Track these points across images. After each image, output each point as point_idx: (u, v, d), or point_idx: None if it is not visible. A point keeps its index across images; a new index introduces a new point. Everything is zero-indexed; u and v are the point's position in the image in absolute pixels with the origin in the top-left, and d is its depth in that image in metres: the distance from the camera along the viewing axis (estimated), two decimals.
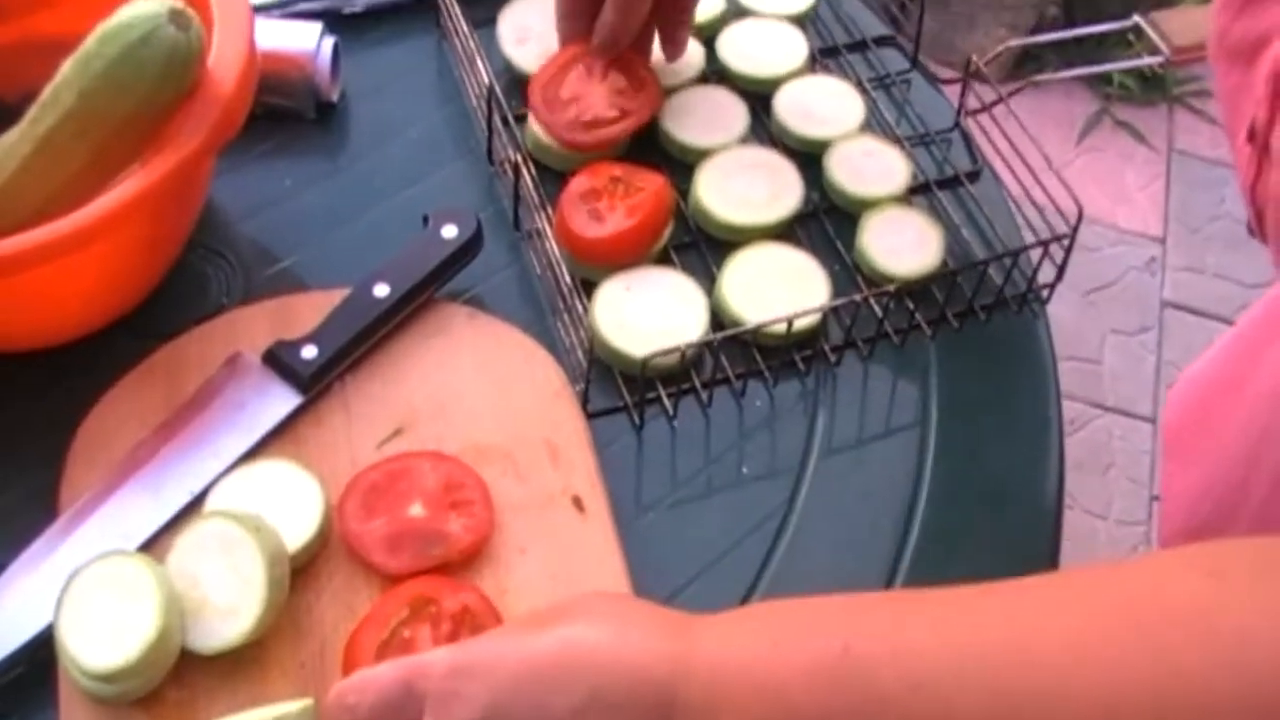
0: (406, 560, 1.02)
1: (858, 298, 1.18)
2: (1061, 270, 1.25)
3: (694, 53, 1.39)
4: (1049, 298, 1.27)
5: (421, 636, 0.98)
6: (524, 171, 1.22)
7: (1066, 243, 1.22)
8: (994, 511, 1.14)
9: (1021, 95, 1.33)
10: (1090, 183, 3.06)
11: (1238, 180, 0.94)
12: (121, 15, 1.08)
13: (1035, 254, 1.24)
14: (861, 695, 0.73)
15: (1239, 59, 0.92)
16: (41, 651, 1.00)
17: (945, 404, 1.20)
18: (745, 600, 1.07)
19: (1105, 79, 3.27)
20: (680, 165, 1.31)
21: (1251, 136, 0.90)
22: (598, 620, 0.82)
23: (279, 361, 1.13)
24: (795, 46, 1.41)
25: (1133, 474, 2.69)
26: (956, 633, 0.75)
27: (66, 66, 1.10)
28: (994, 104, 1.33)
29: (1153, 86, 3.25)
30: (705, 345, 1.18)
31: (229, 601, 0.98)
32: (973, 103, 1.37)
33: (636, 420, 1.16)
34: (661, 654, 0.79)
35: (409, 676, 0.82)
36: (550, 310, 1.23)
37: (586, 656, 0.79)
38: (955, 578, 1.05)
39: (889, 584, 1.08)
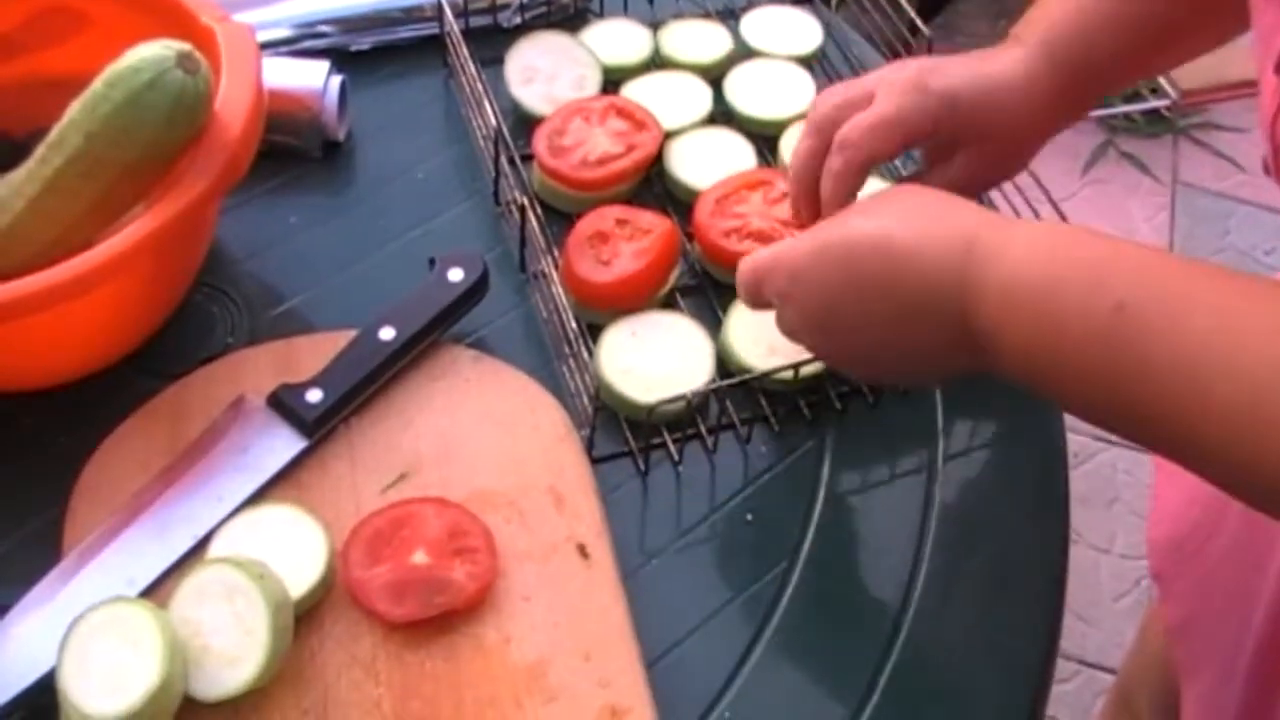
0: (410, 609, 1.02)
1: None
2: None
3: (701, 94, 1.39)
4: None
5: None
6: (530, 214, 1.22)
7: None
8: (1001, 554, 1.14)
9: None
10: (1095, 215, 3.05)
11: (1259, 116, 0.96)
12: (130, 58, 1.08)
13: None
14: (1127, 358, 0.82)
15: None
16: (44, 696, 1.00)
17: (951, 449, 1.20)
18: (750, 650, 1.06)
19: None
20: (686, 208, 1.30)
21: (1277, 69, 0.91)
22: (904, 220, 0.97)
23: (284, 405, 1.13)
24: (802, 88, 1.41)
25: (1137, 508, 2.68)
26: (1233, 320, 0.79)
27: (74, 108, 1.10)
28: None
29: (1158, 119, 3.25)
30: (711, 392, 1.17)
31: (232, 649, 0.98)
32: None
33: (641, 466, 1.16)
34: (960, 275, 0.92)
35: (759, 272, 1.06)
36: (556, 354, 1.22)
37: (895, 270, 0.95)
38: (961, 620, 1.06)
39: (895, 629, 1.08)
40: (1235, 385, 0.76)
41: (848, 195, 1.10)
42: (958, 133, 1.11)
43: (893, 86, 1.09)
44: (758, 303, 1.07)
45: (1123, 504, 2.70)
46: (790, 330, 1.05)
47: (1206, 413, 0.78)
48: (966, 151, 1.13)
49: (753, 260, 1.06)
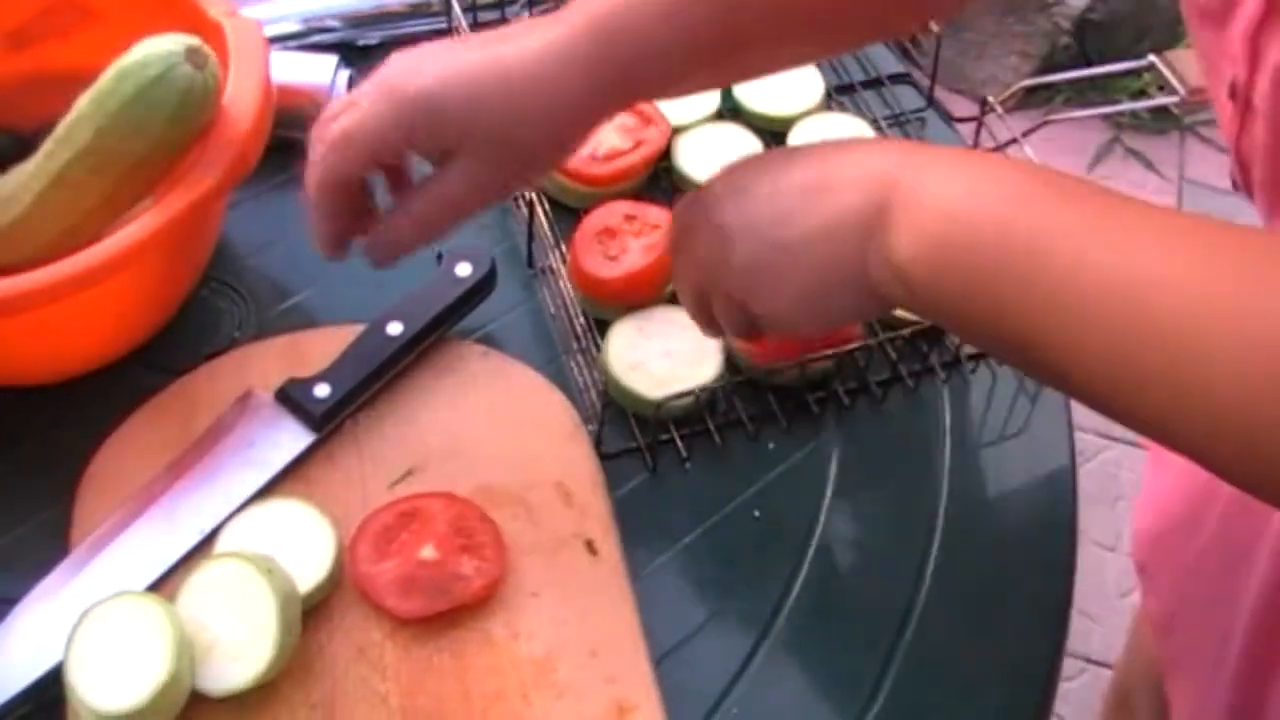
0: (418, 604, 1.02)
1: (872, 342, 1.18)
2: None
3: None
4: None
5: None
6: (538, 208, 1.22)
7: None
8: (1009, 554, 1.14)
9: (1034, 127, 1.33)
10: None
11: (1222, 135, 0.95)
12: (138, 52, 1.08)
13: None
14: (1031, 265, 0.76)
15: (1209, 19, 0.91)
16: (51, 690, 1.00)
17: (958, 445, 1.19)
18: (757, 647, 1.06)
19: None
20: None
21: (1233, 94, 0.90)
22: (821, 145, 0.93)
23: (291, 400, 1.13)
24: (811, 84, 1.41)
25: None
26: (1139, 253, 0.74)
27: (82, 102, 1.10)
28: (1009, 143, 1.33)
29: (1164, 116, 3.24)
30: (719, 388, 1.17)
31: (240, 643, 0.98)
32: (987, 140, 1.36)
33: (649, 462, 1.16)
34: (888, 163, 0.85)
35: (689, 200, 0.98)
36: (563, 349, 1.22)
37: (817, 150, 0.91)
38: (968, 619, 1.06)
39: (902, 626, 1.08)
40: (1174, 295, 0.71)
41: (333, 215, 1.03)
42: (451, 138, 0.97)
43: (364, 94, 0.98)
44: (685, 233, 0.97)
45: (1127, 502, 2.69)
46: (698, 223, 0.95)
47: (1143, 328, 0.72)
48: (467, 158, 0.97)
49: (683, 201, 0.99)
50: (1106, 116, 3.28)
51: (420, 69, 0.96)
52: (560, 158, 1.03)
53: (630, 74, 0.97)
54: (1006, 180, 0.81)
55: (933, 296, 0.83)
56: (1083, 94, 3.21)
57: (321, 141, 1.00)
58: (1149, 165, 3.22)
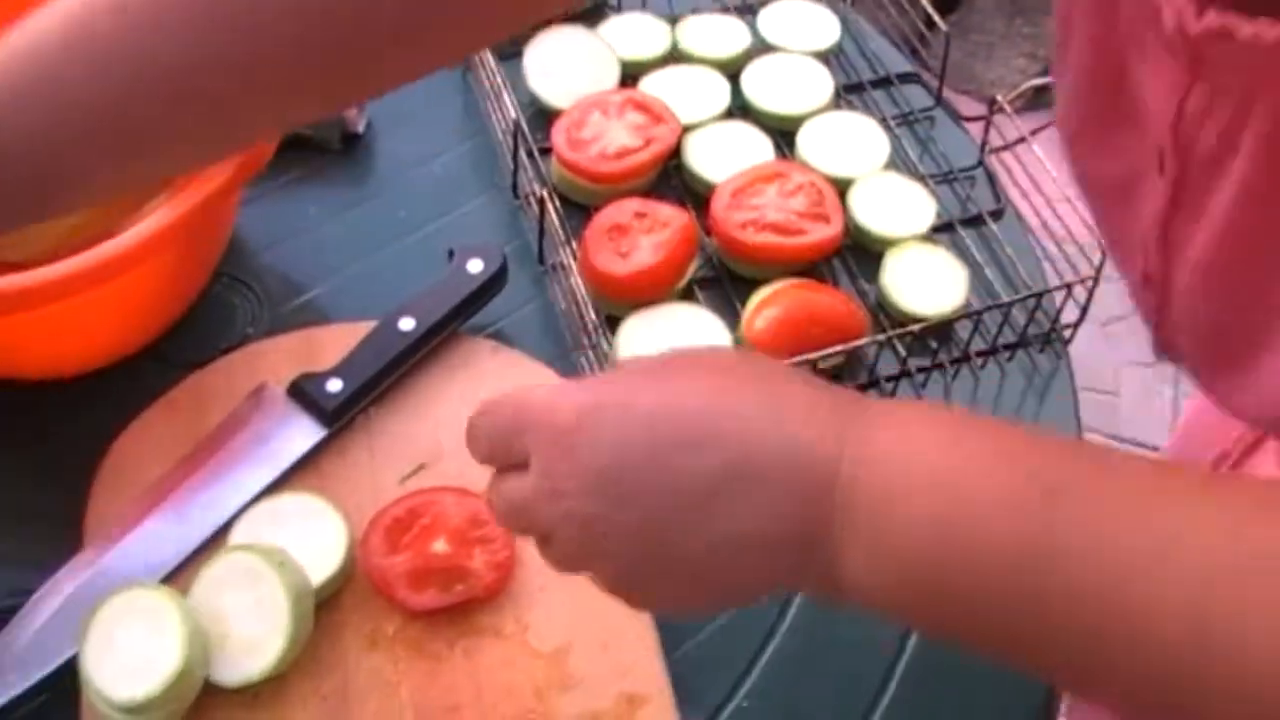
0: (430, 596, 1.03)
1: (881, 338, 1.19)
2: (1084, 310, 1.25)
3: (718, 88, 1.39)
4: (1071, 337, 1.27)
5: None
6: (549, 205, 1.22)
7: (1090, 283, 1.22)
8: None
9: (1042, 127, 1.34)
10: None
11: (1139, 311, 0.89)
12: None
13: (1059, 294, 1.24)
14: (1050, 537, 0.65)
15: (1113, 199, 0.86)
16: (65, 680, 1.01)
17: None
18: (768, 640, 1.07)
19: None
20: (704, 201, 1.30)
21: (1147, 282, 0.83)
22: (751, 384, 0.73)
23: (304, 394, 1.13)
24: (820, 83, 1.41)
25: None
26: (1160, 519, 0.64)
27: None
28: (1017, 142, 1.34)
29: None
30: None
31: (253, 635, 0.99)
32: (996, 139, 1.37)
33: None
34: (825, 430, 0.70)
35: (516, 412, 0.78)
36: (574, 345, 1.23)
37: (735, 418, 0.71)
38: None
39: (897, 657, 1.08)
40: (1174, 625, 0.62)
41: None
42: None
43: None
44: (499, 454, 0.82)
45: None
46: (540, 500, 0.77)
47: (1145, 662, 0.64)
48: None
49: (513, 397, 0.80)
50: None
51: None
52: None
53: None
54: (972, 465, 0.69)
55: (894, 608, 0.73)
56: None
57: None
58: None
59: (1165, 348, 0.89)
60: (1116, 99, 0.80)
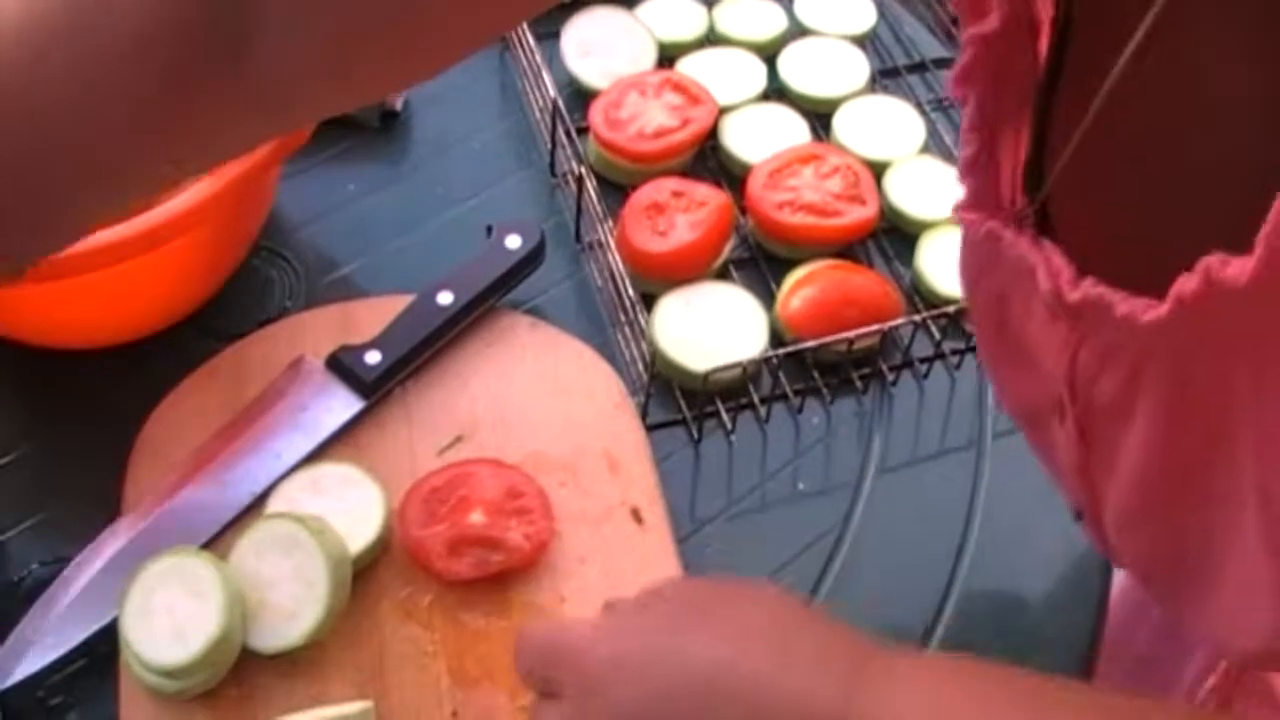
0: (467, 566, 1.03)
1: (917, 319, 1.19)
2: None
3: (755, 71, 1.40)
4: None
5: None
6: (587, 184, 1.23)
7: None
8: (1049, 533, 1.14)
9: None
10: None
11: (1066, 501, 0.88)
12: None
13: None
14: None
15: (1028, 427, 0.86)
16: (102, 645, 1.02)
17: (1000, 426, 1.20)
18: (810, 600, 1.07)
19: None
20: (740, 182, 1.31)
21: (1079, 514, 0.84)
22: (763, 639, 0.77)
23: (342, 366, 1.14)
24: (856, 67, 1.42)
25: None
26: None
27: None
28: None
29: None
30: (765, 361, 1.18)
31: (291, 602, 0.99)
32: None
33: (695, 434, 1.17)
34: (826, 700, 0.73)
35: (551, 648, 0.83)
36: (610, 323, 1.23)
37: (745, 686, 0.74)
38: (1011, 594, 1.07)
39: (941, 606, 1.09)
40: None
41: None
42: None
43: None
44: (537, 680, 0.85)
45: None
46: None
47: None
48: None
49: (548, 634, 0.86)
50: None
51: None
52: None
53: None
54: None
55: None
56: None
57: None
58: None
59: (1098, 544, 0.87)
60: (1014, 343, 0.79)
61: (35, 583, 1.06)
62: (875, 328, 1.17)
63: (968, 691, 0.74)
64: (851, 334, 1.15)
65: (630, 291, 1.17)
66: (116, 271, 1.05)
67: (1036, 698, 0.72)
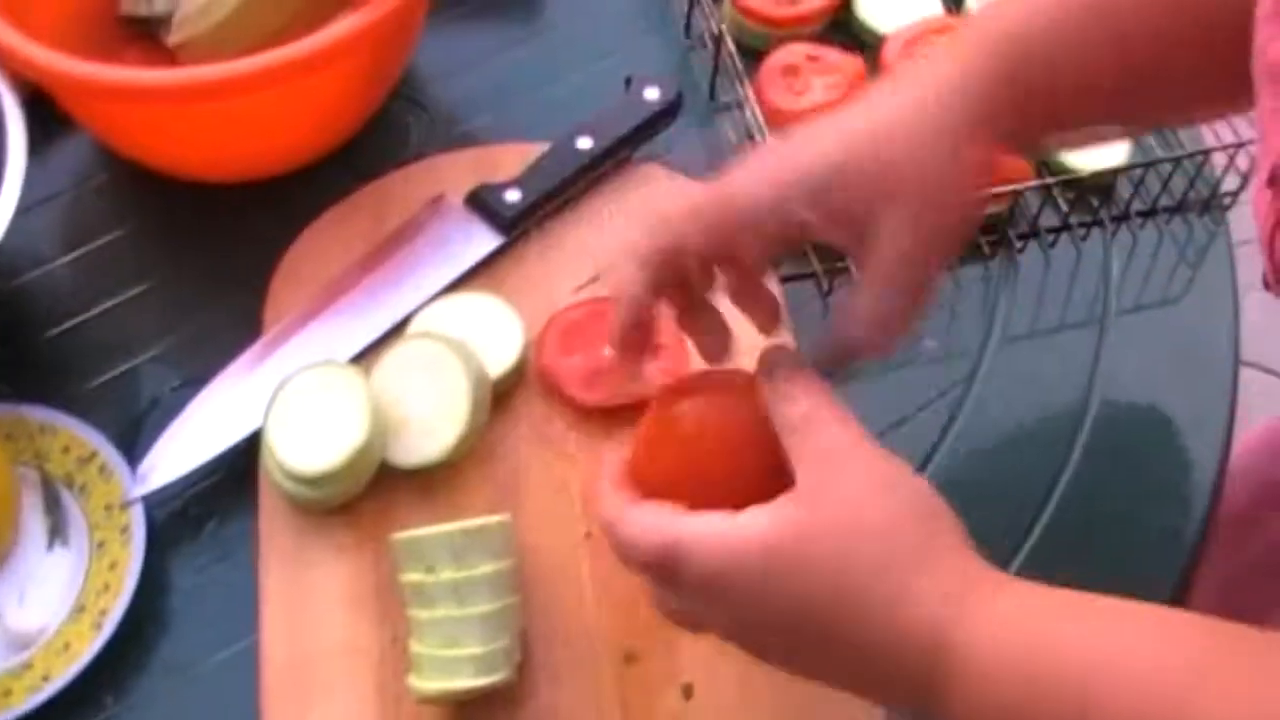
0: (602, 394, 1.05)
1: (1048, 181, 1.20)
2: (1246, 178, 1.26)
3: None
4: (1231, 204, 1.28)
5: None
6: (726, 41, 1.24)
7: (1254, 148, 1.23)
8: (1166, 408, 1.16)
9: None
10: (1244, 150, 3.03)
11: (1256, 228, 0.84)
12: None
13: (1220, 160, 1.25)
14: None
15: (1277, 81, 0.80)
16: (241, 461, 1.04)
17: (1123, 305, 1.21)
18: (924, 465, 1.09)
19: None
20: (872, 52, 1.32)
21: (1273, 180, 0.80)
22: (877, 561, 0.75)
23: (482, 203, 1.16)
24: None
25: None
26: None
27: None
28: None
29: None
30: None
31: (431, 419, 1.01)
32: None
33: (825, 287, 1.18)
34: (929, 632, 0.74)
35: (663, 563, 0.78)
36: None
37: (856, 614, 0.74)
38: (1127, 462, 1.08)
39: (1066, 456, 1.11)
40: None
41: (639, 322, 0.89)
42: (855, 213, 0.83)
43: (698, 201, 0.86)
44: (651, 573, 0.82)
45: (1255, 424, 2.69)
46: (695, 610, 0.82)
47: None
48: (885, 227, 0.82)
49: (660, 545, 0.79)
50: None
51: (800, 149, 0.85)
52: (964, 205, 0.87)
53: (1025, 110, 0.86)
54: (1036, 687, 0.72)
55: None
56: None
57: (648, 229, 0.87)
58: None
59: (1272, 271, 0.85)
60: None
61: (176, 399, 1.09)
62: (1006, 188, 1.18)
63: (1056, 635, 0.74)
64: (985, 192, 1.15)
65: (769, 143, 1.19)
66: (261, 101, 1.08)
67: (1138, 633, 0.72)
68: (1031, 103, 0.85)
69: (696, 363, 1.04)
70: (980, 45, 0.85)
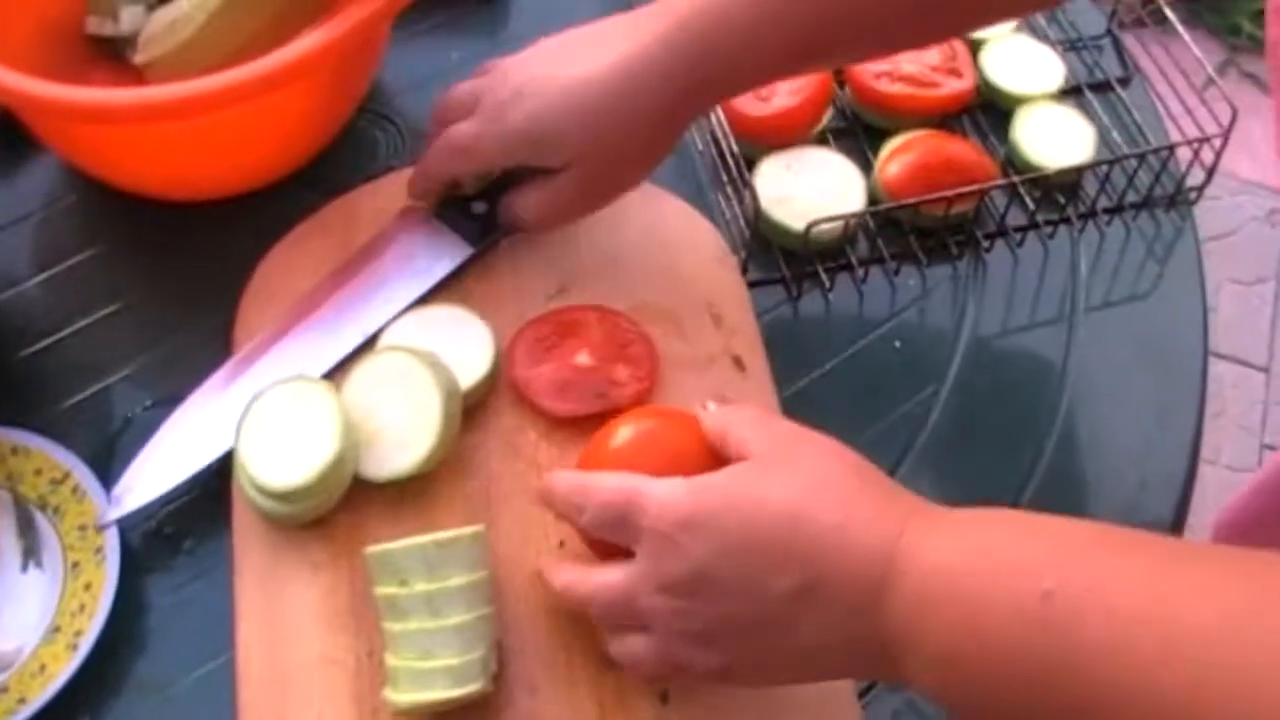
0: (573, 405, 1.05)
1: (1014, 179, 1.21)
2: (1211, 172, 1.27)
3: None
4: (1197, 199, 1.29)
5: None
6: None
7: (1219, 143, 1.23)
8: (1136, 403, 1.16)
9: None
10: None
11: None
12: None
13: (1185, 156, 1.26)
14: (1059, 647, 0.70)
15: None
16: (215, 480, 1.05)
17: (1092, 301, 1.22)
18: (897, 466, 1.10)
19: (1233, 29, 3.25)
20: None
21: None
22: (827, 496, 0.81)
23: (450, 215, 1.16)
24: None
25: (1244, 422, 2.69)
26: (1168, 600, 0.69)
27: None
28: (1147, 3, 1.36)
29: None
30: (868, 217, 1.21)
31: (403, 432, 1.01)
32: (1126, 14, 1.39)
33: (793, 291, 1.18)
34: (882, 550, 0.78)
35: (628, 503, 0.85)
36: (711, 184, 1.25)
37: (811, 542, 0.79)
38: (1104, 452, 1.08)
39: (1039, 452, 1.12)
40: (1173, 670, 0.66)
41: (433, 192, 1.16)
42: (554, 161, 1.08)
43: (483, 109, 1.09)
44: (604, 530, 0.88)
45: (1229, 417, 2.70)
46: (647, 582, 0.85)
47: (1148, 701, 0.67)
48: (569, 174, 1.08)
49: (628, 486, 0.86)
50: (1222, 39, 3.27)
51: (523, 94, 1.06)
52: (651, 165, 1.11)
53: (710, 83, 1.05)
54: (990, 583, 0.75)
55: (947, 704, 0.81)
56: (1198, 15, 3.21)
57: (441, 143, 1.11)
58: (1264, 88, 3.21)
59: None
60: None
61: (148, 419, 1.10)
62: (974, 187, 1.18)
63: (1012, 534, 0.78)
64: (950, 193, 1.16)
65: (734, 148, 1.19)
66: (227, 119, 1.08)
67: (1057, 547, 0.75)
68: (715, 79, 1.04)
69: (665, 370, 1.05)
70: (668, 34, 1.02)
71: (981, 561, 0.76)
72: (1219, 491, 2.54)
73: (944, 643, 0.75)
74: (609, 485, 0.87)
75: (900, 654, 0.77)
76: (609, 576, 0.87)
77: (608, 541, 0.88)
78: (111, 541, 1.01)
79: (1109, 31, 1.40)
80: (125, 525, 1.03)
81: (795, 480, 0.82)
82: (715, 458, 0.88)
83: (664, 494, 0.83)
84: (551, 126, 1.04)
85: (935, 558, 0.77)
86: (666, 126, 1.07)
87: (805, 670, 0.85)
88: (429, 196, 1.15)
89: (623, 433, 0.93)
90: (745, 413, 0.90)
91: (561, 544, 1.00)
